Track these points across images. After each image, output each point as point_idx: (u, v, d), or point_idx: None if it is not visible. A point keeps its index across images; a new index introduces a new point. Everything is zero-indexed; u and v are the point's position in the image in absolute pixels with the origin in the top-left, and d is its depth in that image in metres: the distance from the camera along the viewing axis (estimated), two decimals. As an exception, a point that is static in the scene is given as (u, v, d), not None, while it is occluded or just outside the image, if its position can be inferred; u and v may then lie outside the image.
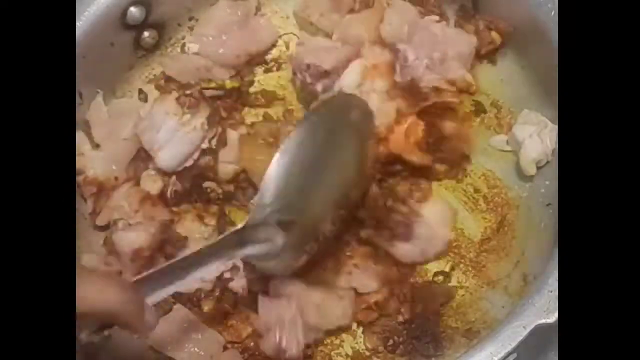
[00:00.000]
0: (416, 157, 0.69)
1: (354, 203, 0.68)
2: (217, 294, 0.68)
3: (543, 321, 0.54)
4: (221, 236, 0.61)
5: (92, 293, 0.48)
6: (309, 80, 0.72)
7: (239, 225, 0.60)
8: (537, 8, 0.66)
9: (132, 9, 0.71)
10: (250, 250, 0.61)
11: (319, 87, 0.72)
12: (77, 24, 0.69)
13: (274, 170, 0.59)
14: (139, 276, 0.55)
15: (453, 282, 0.69)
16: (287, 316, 0.65)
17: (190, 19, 0.77)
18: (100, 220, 0.71)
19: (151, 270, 0.56)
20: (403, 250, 0.68)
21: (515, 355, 0.55)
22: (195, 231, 0.71)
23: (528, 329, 0.54)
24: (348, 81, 0.70)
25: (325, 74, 0.71)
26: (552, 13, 0.65)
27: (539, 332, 0.54)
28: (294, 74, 0.74)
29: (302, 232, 0.64)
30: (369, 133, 0.66)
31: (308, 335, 0.65)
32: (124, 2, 0.71)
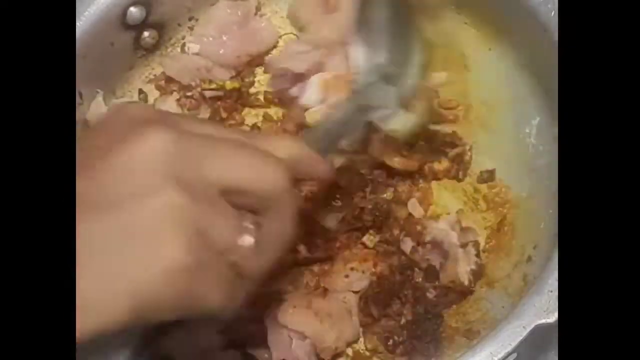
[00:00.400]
0: (398, 163, 0.69)
1: None
2: None
3: (543, 321, 0.54)
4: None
5: (287, 144, 0.47)
6: (285, 84, 0.72)
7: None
8: (537, 8, 0.66)
9: (132, 9, 0.71)
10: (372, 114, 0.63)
11: (294, 91, 0.72)
12: (77, 23, 0.69)
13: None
14: None
15: (454, 282, 0.69)
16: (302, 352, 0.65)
17: (190, 19, 0.77)
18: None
19: None
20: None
21: (515, 355, 0.55)
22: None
23: (528, 329, 0.54)
24: (310, 99, 0.70)
25: (300, 77, 0.71)
26: (552, 13, 0.65)
27: (539, 332, 0.54)
28: (272, 78, 0.74)
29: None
30: None
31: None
32: (124, 2, 0.71)
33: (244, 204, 0.43)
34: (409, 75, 0.65)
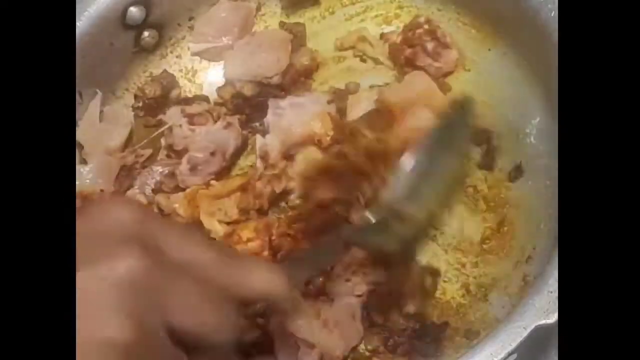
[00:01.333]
0: None
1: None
2: None
3: (543, 321, 0.54)
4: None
5: (261, 277, 0.47)
6: None
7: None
8: (537, 8, 0.66)
9: (132, 8, 0.71)
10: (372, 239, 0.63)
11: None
12: (77, 23, 0.69)
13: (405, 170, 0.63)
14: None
15: (453, 283, 0.69)
16: None
17: (190, 19, 0.77)
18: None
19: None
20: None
21: (515, 355, 0.55)
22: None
23: (528, 330, 0.54)
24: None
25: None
26: (552, 13, 0.65)
27: (539, 332, 0.54)
28: None
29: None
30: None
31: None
32: (123, 2, 0.71)
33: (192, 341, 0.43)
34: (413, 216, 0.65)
